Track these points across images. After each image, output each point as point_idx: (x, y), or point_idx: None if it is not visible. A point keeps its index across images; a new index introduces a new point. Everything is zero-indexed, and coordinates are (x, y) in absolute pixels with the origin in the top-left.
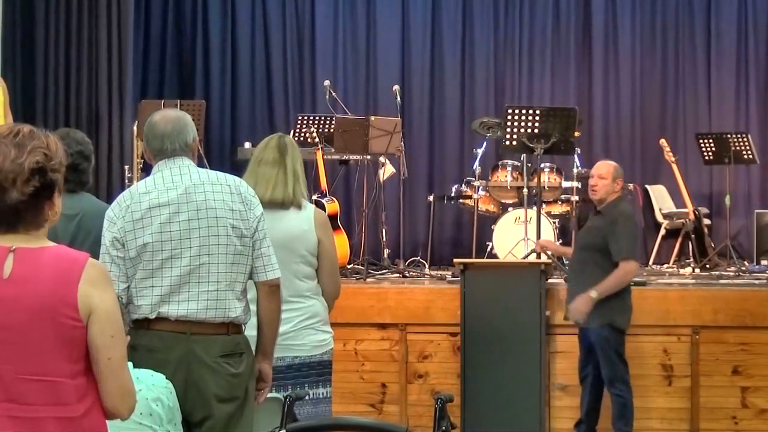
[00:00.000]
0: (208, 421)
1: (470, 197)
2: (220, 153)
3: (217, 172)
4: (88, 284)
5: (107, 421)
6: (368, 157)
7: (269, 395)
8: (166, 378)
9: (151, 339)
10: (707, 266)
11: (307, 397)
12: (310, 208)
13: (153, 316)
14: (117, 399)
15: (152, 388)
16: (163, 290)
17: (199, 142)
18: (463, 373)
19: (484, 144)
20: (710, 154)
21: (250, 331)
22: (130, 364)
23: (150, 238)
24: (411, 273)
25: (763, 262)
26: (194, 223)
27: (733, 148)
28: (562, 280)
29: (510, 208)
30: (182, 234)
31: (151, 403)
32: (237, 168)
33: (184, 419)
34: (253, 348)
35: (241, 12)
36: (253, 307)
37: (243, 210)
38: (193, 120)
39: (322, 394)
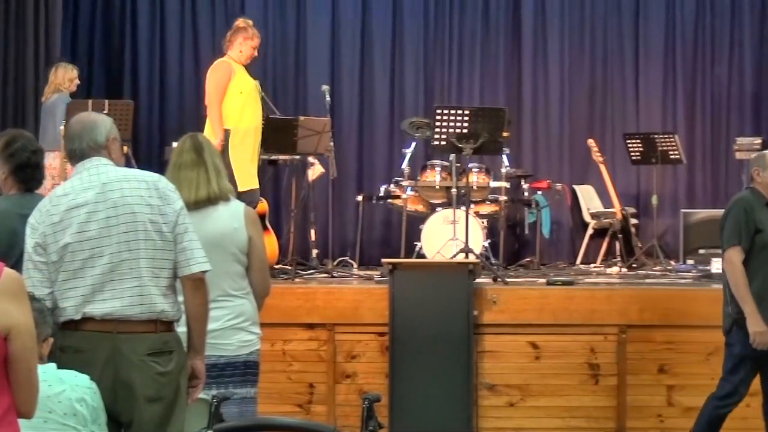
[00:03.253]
0: (137, 420)
1: (399, 197)
2: (149, 153)
3: (135, 170)
4: (5, 299)
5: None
6: (297, 157)
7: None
8: (94, 378)
9: (78, 340)
10: (634, 265)
11: (233, 397)
12: (239, 205)
13: (78, 317)
14: (33, 403)
15: (76, 388)
16: (86, 290)
17: (127, 141)
18: (391, 373)
19: (413, 144)
20: (638, 154)
21: (181, 328)
22: (53, 365)
23: (70, 239)
24: (339, 273)
25: (689, 262)
26: (113, 220)
27: (660, 149)
28: (490, 280)
29: (438, 208)
30: (101, 232)
31: (75, 403)
32: (165, 168)
33: (115, 420)
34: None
35: (170, 11)
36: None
37: (161, 204)
38: (121, 120)
39: (248, 394)
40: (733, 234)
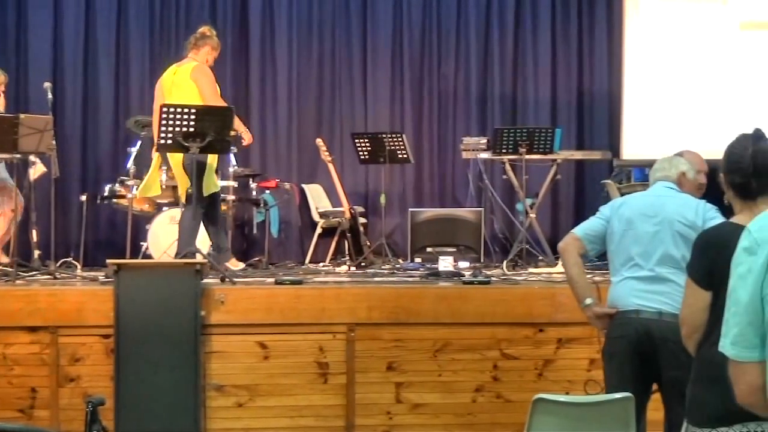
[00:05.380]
0: None
1: (124, 197)
2: None
3: None
4: None
5: None
6: (18, 155)
7: None
8: None
9: None
10: (363, 264)
11: None
12: None
13: None
14: None
15: None
16: None
17: None
18: (116, 376)
19: (139, 143)
20: (366, 153)
21: None
22: None
23: None
24: (62, 274)
25: (417, 260)
26: None
27: (388, 148)
28: (217, 280)
29: (165, 208)
30: None
31: None
32: None
33: None
34: None
35: None
36: None
37: None
38: None
39: None
40: None
